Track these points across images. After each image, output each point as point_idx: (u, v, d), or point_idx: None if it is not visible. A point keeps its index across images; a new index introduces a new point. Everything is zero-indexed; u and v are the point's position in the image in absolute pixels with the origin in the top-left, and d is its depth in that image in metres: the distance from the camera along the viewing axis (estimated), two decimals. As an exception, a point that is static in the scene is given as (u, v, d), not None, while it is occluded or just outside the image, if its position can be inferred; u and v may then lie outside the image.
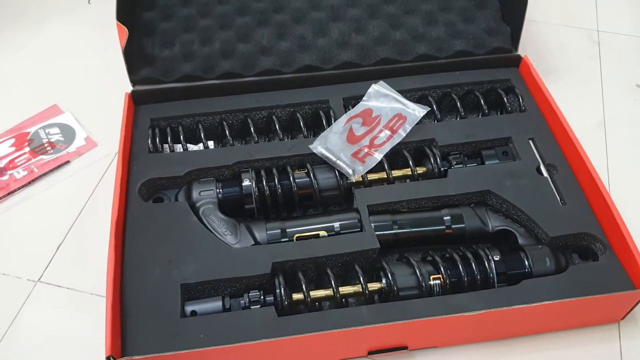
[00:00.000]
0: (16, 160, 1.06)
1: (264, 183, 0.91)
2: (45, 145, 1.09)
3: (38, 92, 1.20)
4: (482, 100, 1.04)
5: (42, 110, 1.15)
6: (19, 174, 1.04)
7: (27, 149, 1.08)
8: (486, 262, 0.82)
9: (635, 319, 0.85)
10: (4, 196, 1.01)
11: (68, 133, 1.11)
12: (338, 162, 0.93)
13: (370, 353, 0.80)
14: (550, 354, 0.82)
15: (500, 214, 0.90)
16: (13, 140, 1.09)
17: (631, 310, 0.82)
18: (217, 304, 0.79)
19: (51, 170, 1.05)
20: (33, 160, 1.06)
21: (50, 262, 0.93)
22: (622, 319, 0.84)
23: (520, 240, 0.86)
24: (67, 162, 1.06)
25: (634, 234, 0.80)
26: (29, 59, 1.29)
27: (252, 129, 1.00)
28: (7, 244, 0.96)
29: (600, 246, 0.85)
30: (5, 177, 1.03)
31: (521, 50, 1.11)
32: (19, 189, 1.02)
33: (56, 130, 1.12)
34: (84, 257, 0.93)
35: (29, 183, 1.03)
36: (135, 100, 1.04)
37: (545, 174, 0.93)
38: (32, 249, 0.94)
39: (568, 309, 0.79)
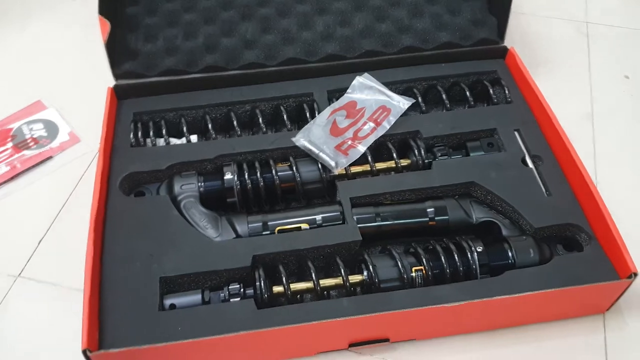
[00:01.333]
0: (-2, 156, 1.05)
1: (246, 176, 0.90)
2: (28, 140, 1.08)
3: (22, 88, 1.19)
4: (467, 92, 1.03)
5: (25, 106, 1.14)
6: (1, 169, 1.03)
7: (9, 145, 1.07)
8: (469, 253, 0.81)
9: (620, 311, 0.84)
10: (-14, 192, 1.00)
11: (51, 129, 1.10)
12: (321, 154, 0.92)
13: (351, 345, 0.79)
14: (534, 345, 0.81)
15: (484, 205, 0.89)
16: (-5, 136, 1.09)
17: (616, 301, 0.81)
18: (196, 297, 0.78)
19: (34, 166, 1.04)
20: (16, 155, 1.05)
21: (31, 257, 0.92)
22: (607, 310, 0.83)
23: (504, 232, 0.85)
24: (50, 157, 1.05)
25: (618, 224, 0.79)
26: (13, 55, 1.28)
27: (235, 122, 0.99)
28: (-12, 239, 0.95)
29: (585, 237, 0.84)
30: (-12, 173, 1.03)
31: (508, 42, 1.10)
32: (0, 184, 1.01)
33: (40, 125, 1.11)
34: (65, 252, 0.92)
35: (11, 179, 1.02)
36: (118, 95, 1.03)
37: (530, 164, 0.92)
38: (13, 244, 0.93)
39: (552, 300, 0.77)
